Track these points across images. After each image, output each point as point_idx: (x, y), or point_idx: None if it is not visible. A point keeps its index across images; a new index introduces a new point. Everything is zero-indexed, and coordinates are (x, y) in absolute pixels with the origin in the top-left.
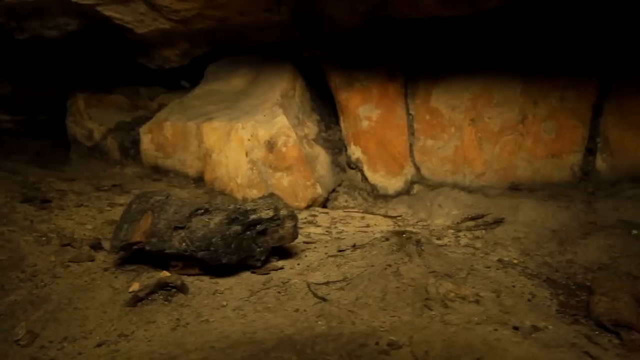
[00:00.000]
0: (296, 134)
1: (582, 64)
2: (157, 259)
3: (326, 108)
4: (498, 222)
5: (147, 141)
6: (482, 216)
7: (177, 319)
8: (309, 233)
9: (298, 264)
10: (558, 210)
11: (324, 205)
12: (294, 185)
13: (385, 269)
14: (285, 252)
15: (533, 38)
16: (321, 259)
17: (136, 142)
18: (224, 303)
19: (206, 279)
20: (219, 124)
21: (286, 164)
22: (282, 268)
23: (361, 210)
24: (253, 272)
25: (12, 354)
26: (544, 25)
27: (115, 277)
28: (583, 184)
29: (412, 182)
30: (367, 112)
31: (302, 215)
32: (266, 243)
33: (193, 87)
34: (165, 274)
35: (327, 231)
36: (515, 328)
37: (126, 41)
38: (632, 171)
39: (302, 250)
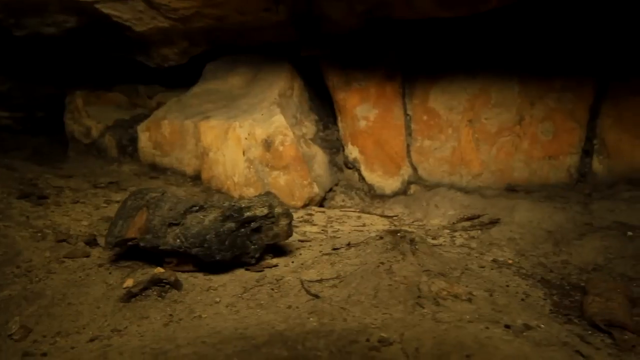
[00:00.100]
0: (294, 133)
1: (580, 66)
2: (152, 256)
3: (324, 108)
4: (494, 222)
5: (144, 139)
6: (478, 217)
7: (170, 315)
8: (305, 232)
9: (292, 262)
10: (554, 212)
11: (320, 204)
12: (290, 184)
13: (378, 266)
14: (280, 250)
15: (531, 39)
16: (315, 257)
17: (134, 140)
18: (217, 299)
19: (200, 275)
20: (217, 123)
21: (283, 163)
22: (276, 265)
23: (358, 210)
24: (247, 269)
25: (5, 348)
26: (542, 27)
27: (110, 273)
28: (580, 186)
29: (409, 183)
30: (364, 112)
31: (299, 214)
32: (260, 240)
33: (191, 85)
34: (159, 270)
35: (322, 230)
36: (507, 326)
37: (125, 39)
38: (629, 173)
39: (297, 249)
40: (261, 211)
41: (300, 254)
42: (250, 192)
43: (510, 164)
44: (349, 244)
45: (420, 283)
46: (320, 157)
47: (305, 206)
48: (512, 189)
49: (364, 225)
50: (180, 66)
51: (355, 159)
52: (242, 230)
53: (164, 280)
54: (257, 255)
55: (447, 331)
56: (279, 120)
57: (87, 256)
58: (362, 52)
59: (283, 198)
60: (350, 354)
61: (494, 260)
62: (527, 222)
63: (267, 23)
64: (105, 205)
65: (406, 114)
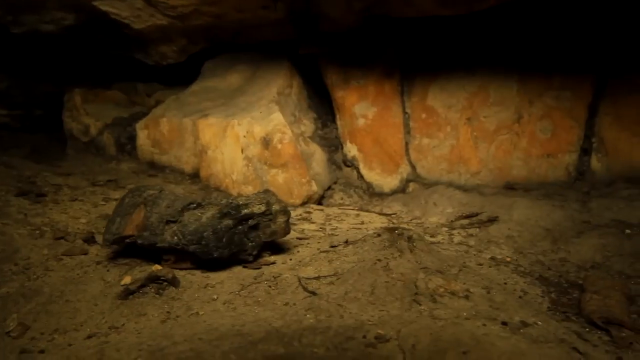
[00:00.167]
0: (292, 131)
1: (578, 64)
2: (150, 253)
3: (323, 106)
4: (492, 220)
5: (143, 137)
6: (477, 214)
7: (168, 312)
8: (303, 229)
9: (290, 259)
10: (552, 210)
11: (319, 202)
12: (289, 182)
13: (375, 263)
14: (278, 248)
15: (529, 37)
16: (313, 255)
17: (132, 138)
18: (215, 296)
19: (198, 272)
20: (215, 121)
21: (281, 160)
22: (274, 263)
23: (356, 208)
24: (245, 267)
25: (2, 345)
26: (541, 25)
27: (108, 270)
28: (578, 184)
29: (408, 181)
30: (363, 110)
31: (297, 212)
32: (258, 238)
33: (190, 83)
34: (156, 267)
35: (321, 228)
36: (504, 323)
37: (123, 37)
38: (627, 171)
39: (295, 246)
40: (259, 208)
41: (298, 252)
42: (249, 190)
43: (509, 162)
44: (346, 242)
45: (417, 280)
46: (318, 155)
47: (303, 204)
48: (510, 187)
49: (362, 223)
50: (179, 64)
51: (353, 157)
52: (240, 227)
53: (162, 278)
54: (254, 253)
55: (443, 328)
56: (277, 118)
57: (85, 254)
58: (360, 50)
59: (282, 196)
60: (346, 350)
61: (492, 258)
62: (526, 220)
63: (266, 21)
64: (103, 203)
65: (405, 112)
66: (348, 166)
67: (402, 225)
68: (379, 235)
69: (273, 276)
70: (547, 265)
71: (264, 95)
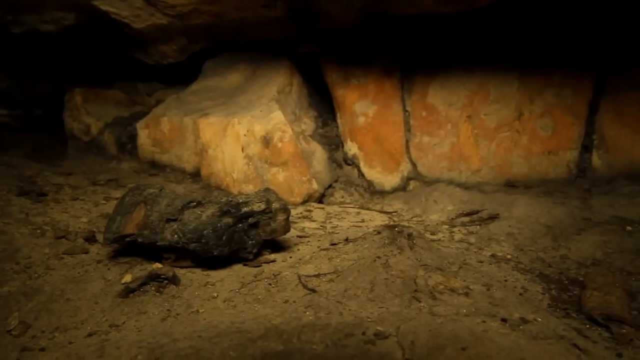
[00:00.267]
0: (292, 129)
1: (579, 61)
2: (150, 251)
3: (323, 104)
4: (493, 218)
5: (144, 136)
6: (477, 212)
7: (168, 310)
8: (304, 227)
9: (290, 257)
10: (553, 207)
11: (320, 200)
12: (289, 181)
13: (375, 261)
14: (278, 246)
15: (530, 35)
16: (313, 252)
17: (133, 137)
18: (215, 294)
19: (198, 271)
20: (216, 120)
21: (282, 159)
22: (274, 261)
23: (357, 206)
24: (245, 265)
25: (4, 343)
26: (541, 20)
27: (108, 269)
28: (579, 181)
29: (409, 179)
30: (363, 108)
31: (298, 211)
32: (258, 236)
33: (190, 83)
34: (157, 265)
35: (321, 226)
36: (504, 320)
37: (123, 36)
38: (628, 168)
39: (295, 244)
40: (258, 206)
41: (299, 249)
42: (250, 188)
43: (509, 159)
44: (347, 239)
45: (417, 277)
46: (319, 153)
47: (304, 202)
48: (511, 185)
49: (362, 221)
50: (180, 63)
51: (354, 155)
52: (240, 225)
53: (162, 276)
54: (254, 251)
55: (443, 324)
56: (277, 116)
57: (86, 252)
58: (360, 48)
59: (282, 194)
60: (345, 347)
61: (493, 255)
62: (526, 217)
63: (266, 19)
64: (104, 202)
65: (405, 110)
66: (349, 164)
67: (402, 223)
68: (379, 232)
69: (273, 274)
70: (547, 262)
71: (264, 94)
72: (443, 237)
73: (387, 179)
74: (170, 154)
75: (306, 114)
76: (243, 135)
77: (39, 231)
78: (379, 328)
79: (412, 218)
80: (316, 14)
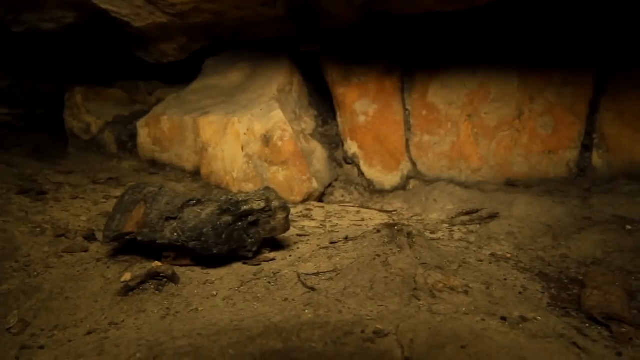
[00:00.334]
0: (292, 128)
1: (579, 59)
2: (150, 250)
3: (324, 103)
4: (493, 216)
5: (144, 135)
6: (477, 211)
7: (167, 308)
8: (303, 226)
9: (290, 256)
10: (553, 206)
11: (320, 199)
12: (289, 180)
13: (374, 259)
14: (278, 244)
15: (530, 33)
16: (313, 251)
17: (133, 136)
18: (214, 293)
19: (197, 269)
20: (216, 118)
21: (282, 158)
22: (273, 259)
23: (357, 205)
24: (244, 263)
25: (3, 341)
26: (541, 19)
27: (108, 267)
28: (579, 180)
29: (409, 178)
30: (363, 107)
31: (298, 209)
32: (257, 234)
33: (191, 81)
34: (156, 264)
35: (321, 224)
36: (503, 319)
37: (124, 35)
38: (628, 167)
39: (295, 243)
40: (258, 205)
41: (298, 248)
42: (250, 187)
43: (510, 158)
44: (346, 238)
45: (416, 275)
46: (319, 152)
47: (304, 201)
48: (511, 184)
49: (362, 220)
50: (180, 62)
51: (354, 154)
52: (239, 223)
53: (162, 274)
54: (254, 249)
55: (442, 323)
56: (277, 115)
57: (86, 251)
58: (361, 47)
59: (282, 193)
60: (345, 345)
61: (492, 254)
62: (526, 216)
63: (266, 18)
64: (104, 200)
65: (405, 109)
66: (349, 163)
67: (402, 222)
68: (378, 231)
69: (272, 272)
70: (547, 261)
71: (264, 93)
72: (443, 235)
73: (387, 178)
74: (170, 152)
75: (306, 112)
76: (243, 134)
77: (38, 229)
78: (378, 326)
79: (411, 217)
80: (316, 13)
